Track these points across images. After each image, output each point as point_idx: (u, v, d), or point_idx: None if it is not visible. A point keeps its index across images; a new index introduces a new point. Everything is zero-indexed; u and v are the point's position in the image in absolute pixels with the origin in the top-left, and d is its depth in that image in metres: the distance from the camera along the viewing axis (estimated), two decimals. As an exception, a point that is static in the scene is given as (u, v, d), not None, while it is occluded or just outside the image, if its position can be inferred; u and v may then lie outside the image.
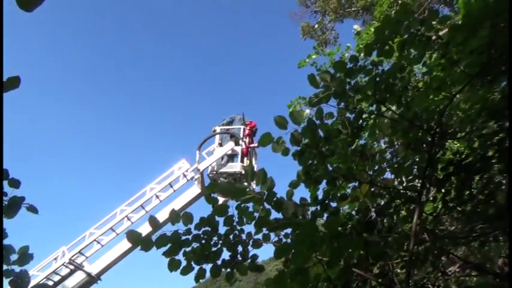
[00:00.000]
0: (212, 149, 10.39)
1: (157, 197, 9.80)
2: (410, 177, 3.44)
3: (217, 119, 11.37)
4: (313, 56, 8.32)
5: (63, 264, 9.06)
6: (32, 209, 2.76)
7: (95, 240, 9.37)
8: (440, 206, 3.59)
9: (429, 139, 3.20)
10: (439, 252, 3.49)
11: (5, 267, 2.68)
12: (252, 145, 10.67)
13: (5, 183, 2.69)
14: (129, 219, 9.59)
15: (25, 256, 2.67)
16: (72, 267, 9.24)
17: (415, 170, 3.50)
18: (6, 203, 2.69)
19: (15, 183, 2.68)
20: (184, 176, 9.93)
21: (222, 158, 10.29)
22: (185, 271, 2.66)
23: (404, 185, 3.46)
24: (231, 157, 10.52)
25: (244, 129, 10.74)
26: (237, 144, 10.40)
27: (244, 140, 10.54)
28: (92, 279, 9.47)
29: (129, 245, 9.41)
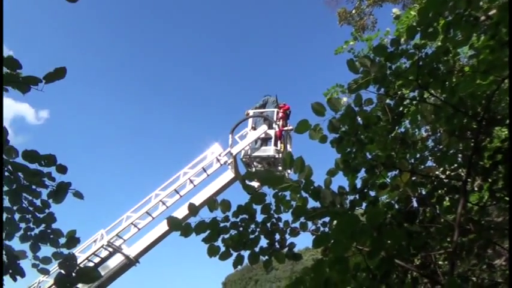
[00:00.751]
0: (245, 132, 10.33)
1: (191, 181, 9.89)
2: (454, 166, 3.30)
3: (250, 103, 11.27)
4: (351, 42, 8.12)
5: (102, 247, 9.39)
6: (78, 195, 2.88)
7: (131, 223, 9.61)
8: (486, 196, 3.43)
9: (475, 126, 3.05)
10: (485, 244, 3.34)
11: (54, 250, 2.84)
12: (285, 128, 10.47)
13: (53, 169, 2.82)
14: (163, 203, 9.78)
15: (72, 240, 2.81)
16: (111, 249, 9.57)
17: (459, 158, 3.35)
18: (54, 188, 2.83)
19: (62, 169, 2.81)
20: (218, 160, 9.94)
21: (256, 141, 10.20)
22: (224, 256, 2.70)
23: (447, 173, 3.33)
24: (265, 141, 10.39)
25: (277, 112, 10.54)
26: (270, 127, 10.24)
27: (278, 123, 10.34)
28: (131, 261, 9.76)
29: (165, 229, 9.62)
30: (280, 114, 10.55)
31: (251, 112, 10.71)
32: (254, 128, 10.36)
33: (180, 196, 9.87)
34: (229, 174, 10.11)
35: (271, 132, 10.19)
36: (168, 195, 9.74)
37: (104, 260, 9.65)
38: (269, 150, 10.03)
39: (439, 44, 2.97)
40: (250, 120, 10.55)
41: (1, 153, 2.54)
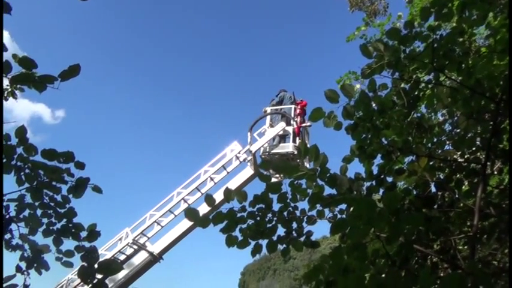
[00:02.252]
0: (263, 130, 10.35)
1: (211, 179, 10.02)
2: (472, 149, 3.24)
3: (265, 97, 11.33)
4: (363, 28, 8.00)
5: (127, 244, 9.63)
6: (97, 189, 2.94)
7: (155, 221, 9.81)
8: (506, 179, 3.36)
9: (493, 108, 2.98)
10: (506, 228, 3.28)
11: (76, 243, 2.91)
12: (303, 124, 10.44)
13: (72, 165, 2.88)
14: (185, 201, 9.95)
15: (93, 233, 2.87)
16: (135, 247, 9.79)
17: (477, 141, 3.28)
18: (73, 183, 2.90)
19: (80, 166, 2.87)
20: (237, 158, 10.04)
21: (274, 138, 10.23)
22: (242, 245, 2.72)
23: (466, 157, 3.27)
24: (283, 137, 10.42)
25: (295, 109, 10.53)
26: (288, 124, 10.28)
27: (296, 119, 10.35)
28: (155, 258, 9.96)
29: (188, 226, 9.83)
30: (298, 111, 10.55)
31: (268, 109, 10.76)
32: (272, 125, 10.39)
33: (201, 194, 10.03)
34: (248, 171, 10.20)
35: (289, 129, 10.23)
36: (189, 193, 9.90)
37: (129, 257, 9.87)
38: (288, 147, 10.07)
39: (454, 25, 2.90)
40: (268, 118, 10.57)
41: (1, 151, 2.60)
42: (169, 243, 9.98)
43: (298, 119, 10.43)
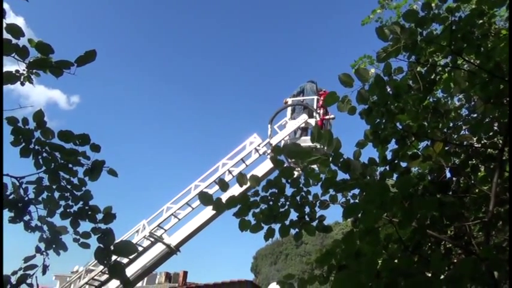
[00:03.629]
0: (284, 122, 9.98)
1: (230, 172, 9.76)
2: (490, 134, 3.18)
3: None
4: (378, 11, 7.80)
5: (144, 237, 9.63)
6: (112, 172, 2.99)
7: (172, 214, 9.76)
8: (509, 169, 3.30)
9: (513, 92, 2.90)
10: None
11: (92, 225, 2.98)
12: (327, 117, 9.94)
13: (87, 148, 2.94)
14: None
15: (109, 215, 2.93)
16: (152, 239, 9.79)
17: (495, 126, 3.22)
18: (89, 166, 2.95)
19: (96, 148, 2.92)
20: (257, 150, 9.73)
21: (295, 131, 9.90)
22: (255, 229, 2.75)
23: (483, 142, 3.21)
24: (305, 130, 10.06)
25: (317, 100, 9.97)
26: (310, 116, 9.80)
27: (319, 111, 9.82)
28: (172, 250, 9.97)
29: (206, 218, 9.74)
30: (321, 102, 9.94)
31: (290, 100, 10.25)
32: (293, 118, 9.98)
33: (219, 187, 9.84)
34: (268, 164, 9.85)
35: (312, 122, 9.75)
36: (207, 186, 9.70)
37: (146, 249, 9.93)
38: (309, 141, 9.65)
39: (474, 6, 2.82)
40: (289, 109, 10.14)
41: (1, 148, 2.66)
42: (186, 235, 9.94)
43: (321, 111, 9.92)
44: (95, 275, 9.74)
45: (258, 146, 9.70)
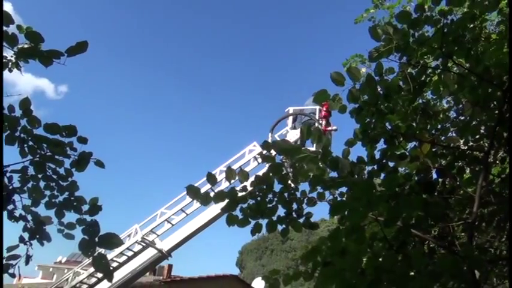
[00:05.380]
0: (285, 131, 9.75)
1: (227, 180, 9.40)
2: (477, 137, 3.23)
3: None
4: (371, 11, 7.83)
5: (136, 242, 9.44)
6: (100, 163, 2.96)
7: (166, 220, 9.57)
8: (508, 168, 3.36)
9: (500, 96, 2.95)
10: (505, 216, 3.30)
11: (77, 216, 2.95)
12: (329, 128, 9.56)
13: (74, 140, 2.91)
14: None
15: (95, 207, 2.90)
16: (144, 244, 9.61)
17: (482, 129, 3.27)
18: (76, 157, 2.92)
19: (83, 140, 2.89)
20: (255, 159, 9.40)
21: (296, 141, 9.45)
22: (242, 224, 2.76)
23: (470, 144, 3.26)
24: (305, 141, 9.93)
25: (320, 110, 9.60)
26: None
27: (321, 122, 9.48)
28: (164, 255, 9.81)
29: (199, 224, 9.54)
30: (323, 113, 9.58)
31: (291, 109, 10.00)
32: (295, 127, 9.77)
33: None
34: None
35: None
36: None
37: (136, 254, 9.75)
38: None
39: (466, 10, 2.84)
40: (290, 119, 9.90)
41: (1, 153, 2.62)
42: (179, 241, 9.79)
43: (323, 122, 9.57)
44: (83, 279, 9.61)
45: (258, 154, 9.29)
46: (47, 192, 3.02)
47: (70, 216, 3.01)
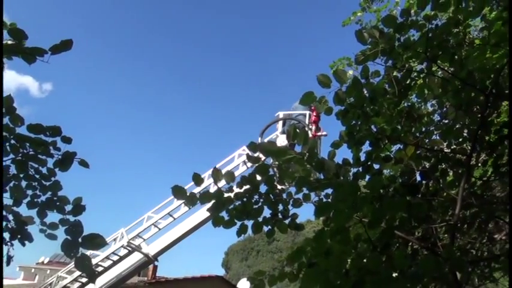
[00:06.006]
0: (275, 136, 9.65)
1: (215, 184, 9.26)
2: (459, 140, 3.29)
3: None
4: (359, 14, 7.92)
5: (122, 246, 9.29)
6: (84, 163, 2.92)
7: (152, 224, 9.42)
8: (490, 171, 3.42)
9: (482, 100, 3.01)
10: (487, 218, 3.37)
11: (60, 216, 2.90)
12: (319, 134, 9.55)
13: (59, 140, 2.86)
14: (186, 205, 9.37)
15: (78, 207, 2.86)
16: (130, 248, 9.43)
17: (465, 133, 3.33)
18: (59, 157, 2.87)
19: (67, 140, 2.85)
20: (245, 163, 9.34)
21: (286, 146, 9.20)
22: (228, 225, 2.75)
23: (453, 148, 3.32)
24: (293, 146, 9.28)
25: (309, 115, 9.61)
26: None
27: (310, 127, 9.45)
28: (150, 260, 9.68)
29: (186, 229, 9.40)
30: (313, 118, 9.60)
31: (281, 114, 9.93)
32: (284, 132, 9.64)
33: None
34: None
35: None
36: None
37: (122, 258, 9.57)
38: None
39: (450, 15, 2.89)
40: (280, 123, 9.82)
41: (1, 154, 2.57)
42: (165, 245, 9.66)
43: (313, 127, 9.54)
44: (67, 284, 9.44)
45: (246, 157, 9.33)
46: (29, 192, 2.96)
47: (53, 216, 2.96)
